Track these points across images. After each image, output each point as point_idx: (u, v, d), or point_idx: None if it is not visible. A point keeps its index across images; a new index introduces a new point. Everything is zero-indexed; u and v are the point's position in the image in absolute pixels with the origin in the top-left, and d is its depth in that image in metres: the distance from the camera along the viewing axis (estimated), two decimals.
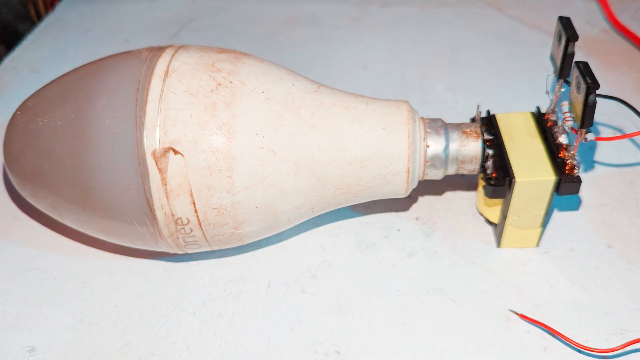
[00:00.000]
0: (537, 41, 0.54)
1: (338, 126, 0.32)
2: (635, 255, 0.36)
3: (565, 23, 0.33)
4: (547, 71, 0.36)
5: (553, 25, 0.34)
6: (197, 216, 0.31)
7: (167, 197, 0.30)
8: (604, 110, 0.45)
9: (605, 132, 0.44)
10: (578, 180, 0.33)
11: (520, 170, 0.33)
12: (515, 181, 0.32)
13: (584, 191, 0.40)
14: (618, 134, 0.44)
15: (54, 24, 0.60)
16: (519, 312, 0.33)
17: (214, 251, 0.37)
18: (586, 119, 0.31)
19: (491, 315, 0.33)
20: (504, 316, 0.33)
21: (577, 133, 0.32)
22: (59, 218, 0.34)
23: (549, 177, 0.33)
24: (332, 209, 0.35)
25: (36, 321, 0.34)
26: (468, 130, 0.34)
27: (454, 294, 0.34)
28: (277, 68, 0.33)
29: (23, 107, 0.33)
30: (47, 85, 0.34)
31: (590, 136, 0.32)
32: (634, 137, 0.43)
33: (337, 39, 0.56)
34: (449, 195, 0.40)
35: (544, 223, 0.35)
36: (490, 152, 0.34)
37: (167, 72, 0.31)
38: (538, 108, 0.37)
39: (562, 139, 0.34)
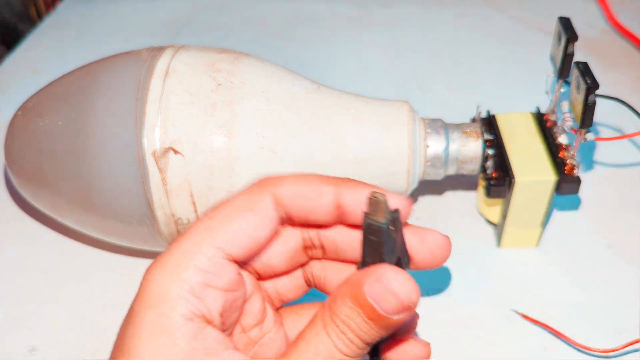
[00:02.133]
0: (537, 41, 0.54)
1: (338, 126, 0.32)
2: (635, 255, 0.36)
3: (565, 23, 0.33)
4: (547, 71, 0.36)
5: (553, 25, 0.34)
6: (197, 216, 0.31)
7: (167, 197, 0.30)
8: (604, 110, 0.45)
9: (605, 132, 0.44)
10: (578, 180, 0.33)
11: (520, 170, 0.33)
12: (515, 181, 0.32)
13: (584, 191, 0.40)
14: (618, 134, 0.44)
15: (55, 24, 0.60)
16: (519, 311, 0.33)
17: None
18: (586, 119, 0.31)
19: (492, 315, 0.33)
20: (504, 316, 0.33)
21: (577, 133, 0.32)
22: (60, 218, 0.34)
23: (549, 177, 0.33)
24: None
25: (36, 321, 0.34)
26: (468, 130, 0.34)
27: (454, 294, 0.34)
28: (277, 68, 0.33)
29: (24, 108, 0.33)
30: (48, 85, 0.34)
31: (590, 136, 0.32)
32: (634, 137, 0.43)
33: (337, 39, 0.56)
34: (449, 195, 0.40)
35: (544, 223, 0.35)
36: (490, 152, 0.34)
37: (167, 72, 0.31)
38: (538, 108, 0.37)
39: (562, 139, 0.34)
